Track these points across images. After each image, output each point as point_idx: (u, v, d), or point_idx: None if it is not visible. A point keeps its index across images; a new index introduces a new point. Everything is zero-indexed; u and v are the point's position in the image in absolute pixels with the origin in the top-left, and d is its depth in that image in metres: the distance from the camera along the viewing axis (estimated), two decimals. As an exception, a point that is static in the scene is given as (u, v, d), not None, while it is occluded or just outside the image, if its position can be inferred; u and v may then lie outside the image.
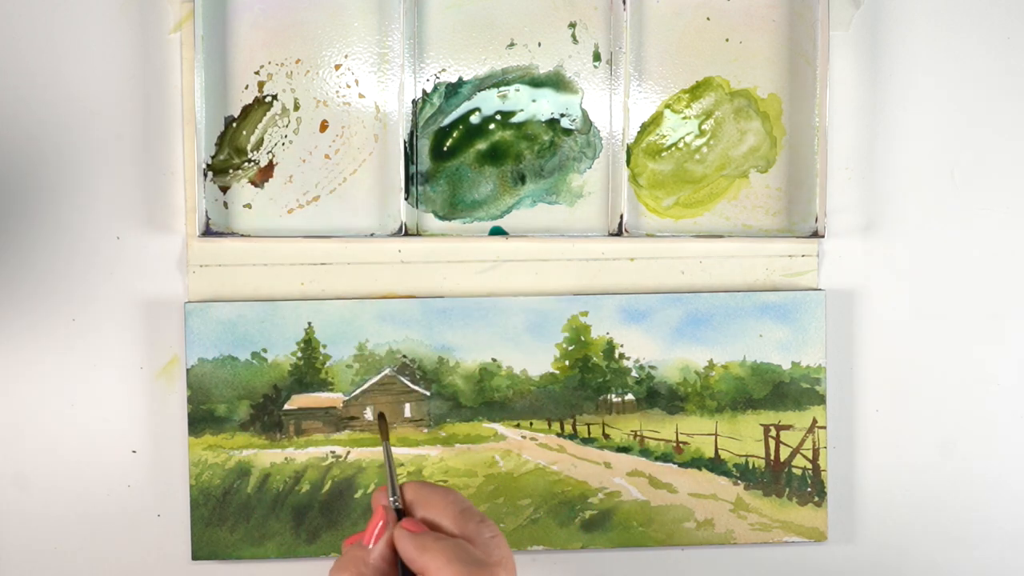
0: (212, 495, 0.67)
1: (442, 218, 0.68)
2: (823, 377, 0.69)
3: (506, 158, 0.68)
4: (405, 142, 0.66)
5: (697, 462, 0.69)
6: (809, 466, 0.69)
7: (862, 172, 0.69)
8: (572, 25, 0.68)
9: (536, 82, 0.68)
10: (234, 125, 0.67)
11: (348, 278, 0.68)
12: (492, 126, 0.68)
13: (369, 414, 0.67)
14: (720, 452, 0.69)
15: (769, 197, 0.69)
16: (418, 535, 0.52)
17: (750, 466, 0.69)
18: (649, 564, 0.69)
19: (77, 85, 0.66)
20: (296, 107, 0.67)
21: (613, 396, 0.68)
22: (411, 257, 0.68)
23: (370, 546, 0.53)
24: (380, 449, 0.67)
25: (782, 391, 0.69)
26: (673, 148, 0.69)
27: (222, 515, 0.67)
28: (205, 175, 0.66)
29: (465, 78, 0.67)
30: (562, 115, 0.68)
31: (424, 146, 0.67)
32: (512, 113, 0.68)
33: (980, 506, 0.71)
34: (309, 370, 0.67)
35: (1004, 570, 0.71)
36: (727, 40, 0.68)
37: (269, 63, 0.66)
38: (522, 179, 0.68)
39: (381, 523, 0.53)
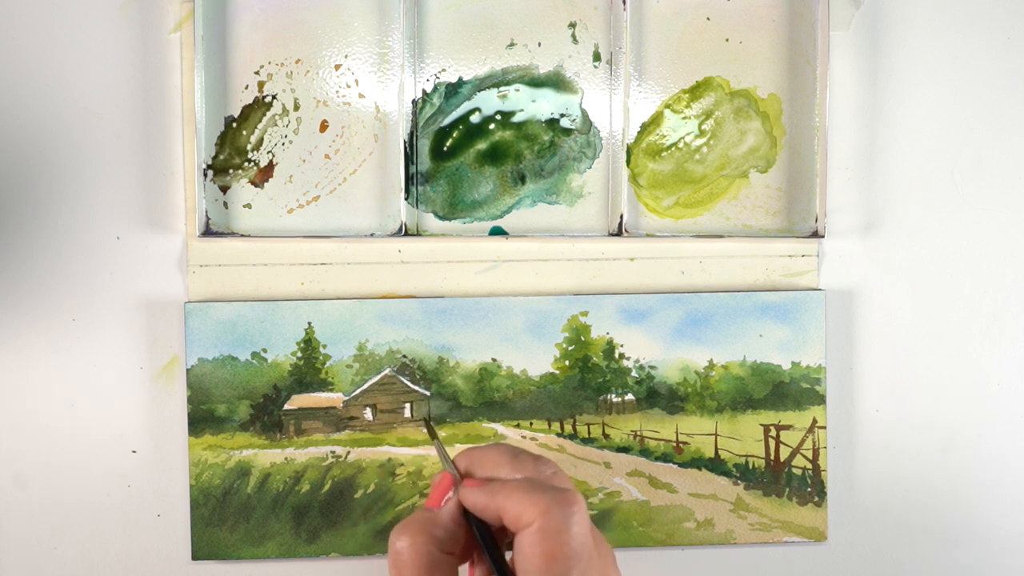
0: (212, 495, 0.67)
1: (442, 218, 0.68)
2: (823, 377, 0.69)
3: (506, 158, 0.68)
4: (405, 142, 0.66)
5: (697, 462, 0.69)
6: (809, 466, 0.69)
7: (862, 172, 0.69)
8: (572, 25, 0.68)
9: (536, 82, 0.68)
10: (234, 125, 0.67)
11: (348, 278, 0.68)
12: (492, 126, 0.68)
13: (369, 414, 0.67)
14: (720, 452, 0.69)
15: (769, 197, 0.69)
16: (484, 485, 0.51)
17: (750, 466, 0.69)
18: (649, 564, 0.69)
19: (77, 85, 0.66)
20: (296, 107, 0.67)
21: (613, 396, 0.68)
22: (411, 257, 0.68)
23: (438, 508, 0.52)
24: (380, 450, 0.67)
25: (782, 391, 0.69)
26: (673, 148, 0.69)
27: (222, 515, 0.67)
28: (205, 175, 0.66)
29: (465, 78, 0.67)
30: (562, 115, 0.68)
31: (424, 146, 0.67)
32: (512, 113, 0.68)
33: (980, 506, 0.71)
34: (309, 370, 0.67)
35: (1004, 570, 0.71)
36: (727, 40, 0.68)
37: (269, 63, 0.66)
38: (522, 179, 0.68)
39: (448, 485, 0.53)
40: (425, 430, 0.67)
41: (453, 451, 0.68)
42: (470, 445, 0.67)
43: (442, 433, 0.68)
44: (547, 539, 0.48)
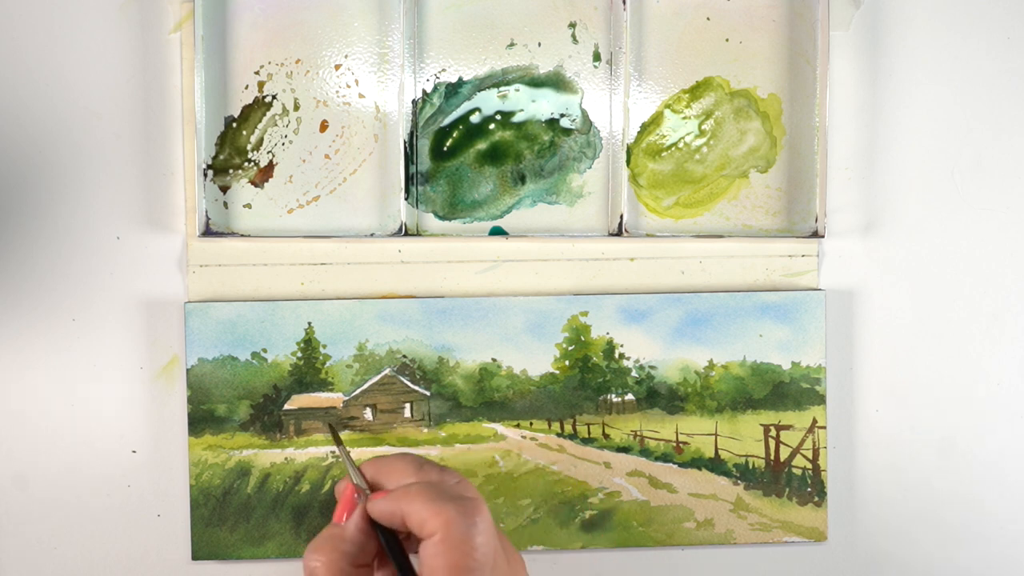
0: (212, 495, 0.67)
1: (442, 218, 0.68)
2: (823, 377, 0.69)
3: (506, 158, 0.68)
4: (405, 142, 0.66)
5: (697, 462, 0.69)
6: (809, 466, 0.69)
7: (862, 172, 0.69)
8: (572, 25, 0.68)
9: (536, 82, 0.68)
10: (234, 125, 0.67)
11: (348, 278, 0.68)
12: (492, 126, 0.68)
13: (369, 414, 0.67)
14: (720, 452, 0.69)
15: (769, 197, 0.69)
16: (389, 493, 0.51)
17: (750, 466, 0.69)
18: (649, 564, 0.69)
19: (77, 85, 0.66)
20: (296, 107, 0.67)
21: (613, 396, 0.68)
22: (411, 257, 0.68)
23: (343, 522, 0.52)
24: (380, 450, 0.67)
25: (782, 391, 0.69)
26: (673, 148, 0.69)
27: (222, 515, 0.67)
28: (205, 175, 0.66)
29: (465, 78, 0.67)
30: (562, 115, 0.68)
31: (424, 146, 0.67)
32: (512, 113, 0.68)
33: (980, 506, 0.71)
34: (309, 370, 0.67)
35: (1004, 570, 0.71)
36: (727, 40, 0.68)
37: (269, 63, 0.66)
38: (522, 179, 0.68)
39: (351, 498, 0.53)
40: (332, 438, 0.66)
41: (454, 452, 0.68)
42: (468, 446, 0.68)
43: (441, 433, 0.68)
44: (450, 550, 0.48)
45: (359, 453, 0.67)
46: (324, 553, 0.51)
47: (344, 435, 0.67)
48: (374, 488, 0.54)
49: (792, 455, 0.69)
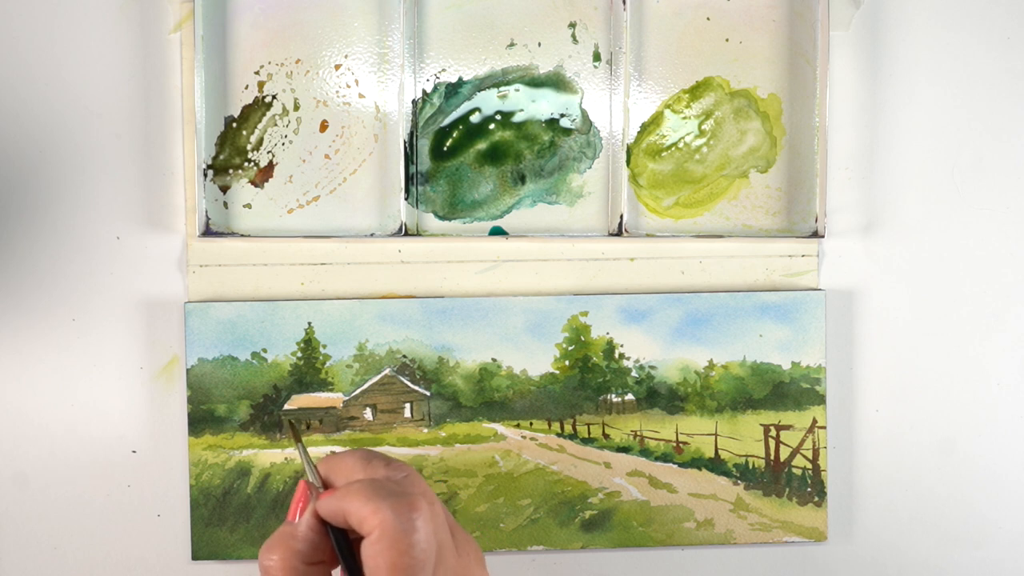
0: (212, 495, 0.67)
1: (442, 218, 0.68)
2: (823, 377, 0.69)
3: (506, 158, 0.68)
4: (405, 142, 0.66)
5: (697, 462, 0.69)
6: (809, 466, 0.69)
7: (862, 172, 0.69)
8: (572, 25, 0.68)
9: (536, 82, 0.68)
10: (234, 125, 0.67)
11: (348, 278, 0.68)
12: (492, 126, 0.68)
13: (369, 414, 0.67)
14: (720, 452, 0.69)
15: (769, 197, 0.69)
16: (335, 491, 0.51)
17: (750, 466, 0.69)
18: (649, 564, 0.69)
19: (77, 85, 0.66)
20: (296, 107, 0.67)
21: (613, 396, 0.68)
22: (411, 257, 0.68)
23: (295, 520, 0.52)
24: (380, 450, 0.67)
25: (782, 391, 0.69)
26: (673, 148, 0.69)
27: (222, 515, 0.67)
28: (205, 175, 0.66)
29: (465, 78, 0.67)
30: (562, 115, 0.68)
31: (424, 146, 0.67)
32: (512, 113, 0.68)
33: (980, 506, 0.71)
34: (309, 370, 0.67)
35: (1004, 570, 0.71)
36: (727, 40, 0.68)
37: (269, 63, 0.66)
38: (522, 179, 0.68)
39: (305, 495, 0.53)
40: (291, 435, 0.65)
41: (454, 452, 0.68)
42: (468, 446, 0.68)
43: (441, 433, 0.68)
44: (388, 549, 0.48)
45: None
46: (277, 551, 0.51)
47: (344, 435, 0.67)
48: (327, 485, 0.54)
49: (792, 455, 0.69)
